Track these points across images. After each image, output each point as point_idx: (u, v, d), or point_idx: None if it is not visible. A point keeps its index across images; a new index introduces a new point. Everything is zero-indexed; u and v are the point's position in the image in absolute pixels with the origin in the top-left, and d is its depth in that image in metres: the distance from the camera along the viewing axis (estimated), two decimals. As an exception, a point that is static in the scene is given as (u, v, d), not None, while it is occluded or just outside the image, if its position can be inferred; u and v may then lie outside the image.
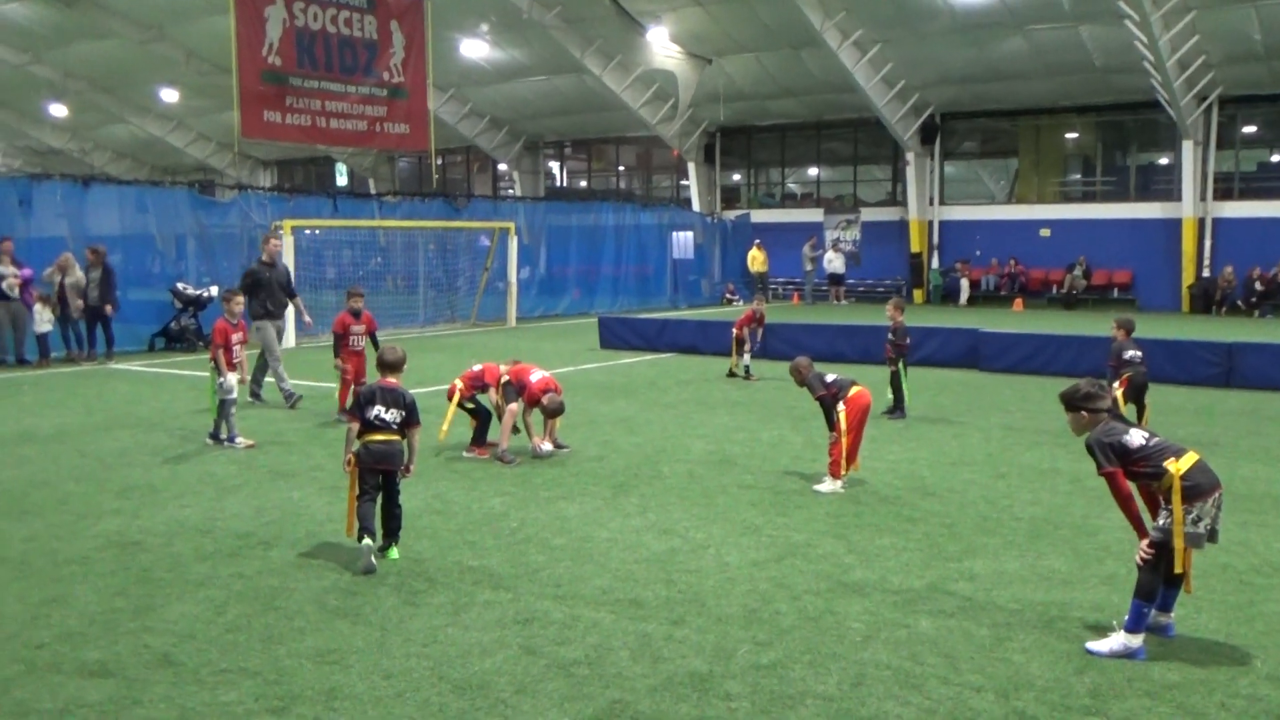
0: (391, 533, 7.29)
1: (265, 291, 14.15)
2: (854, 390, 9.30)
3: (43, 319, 18.42)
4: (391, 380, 7.47)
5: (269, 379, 14.28)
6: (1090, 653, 5.63)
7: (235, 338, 11.33)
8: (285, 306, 14.79)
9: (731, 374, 16.73)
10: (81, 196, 20.91)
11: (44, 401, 14.24)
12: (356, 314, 12.71)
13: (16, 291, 17.95)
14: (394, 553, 7.23)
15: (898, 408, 12.94)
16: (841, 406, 9.18)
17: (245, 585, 6.64)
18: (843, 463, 9.17)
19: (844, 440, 9.12)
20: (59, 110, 47.96)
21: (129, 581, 6.71)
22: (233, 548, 7.45)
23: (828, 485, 9.19)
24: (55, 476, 9.69)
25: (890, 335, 13.11)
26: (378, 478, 7.23)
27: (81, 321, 19.05)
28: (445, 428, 10.54)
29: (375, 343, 11.93)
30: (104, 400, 14.35)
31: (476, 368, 10.85)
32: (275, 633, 5.85)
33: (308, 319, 15.42)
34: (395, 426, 7.28)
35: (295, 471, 9.92)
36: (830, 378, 9.41)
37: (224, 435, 11.12)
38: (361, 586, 6.62)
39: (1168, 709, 5.02)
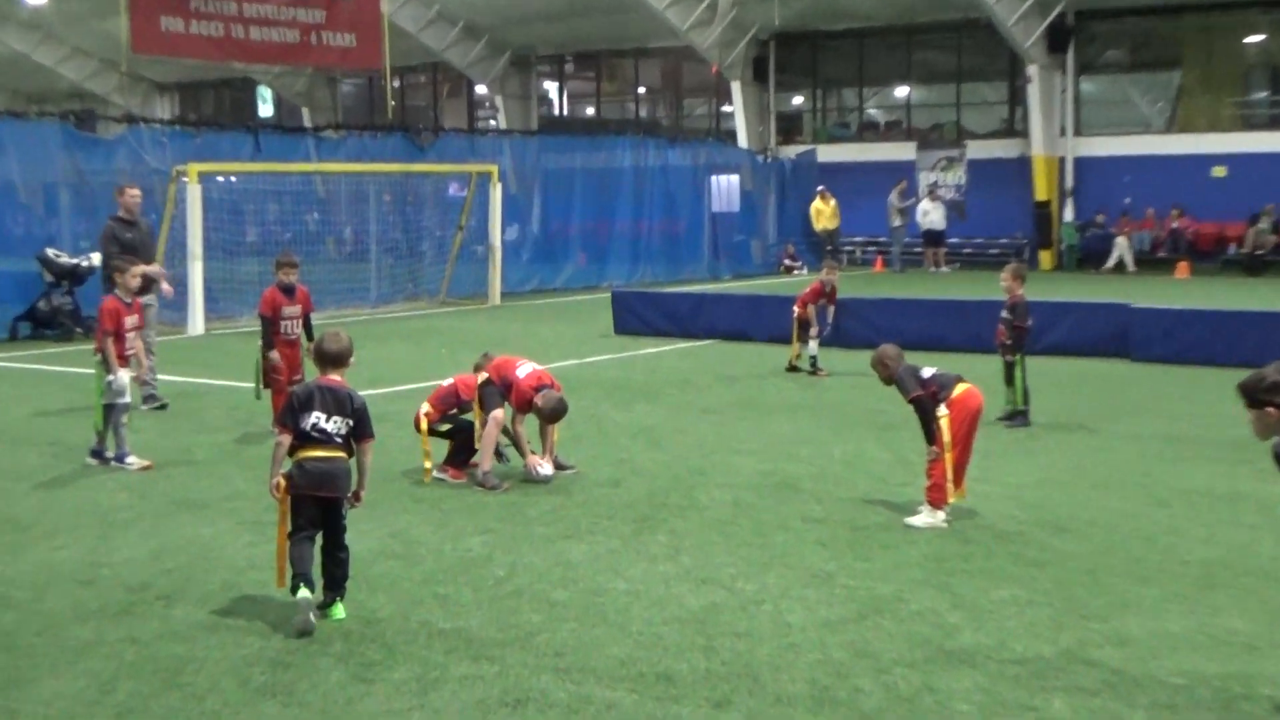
0: (335, 583, 7.31)
1: (133, 252, 14.16)
2: (960, 389, 9.27)
3: None
4: (334, 378, 7.48)
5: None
6: None
7: (129, 321, 11.39)
8: (155, 280, 14.90)
9: (793, 368, 16.73)
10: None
11: None
12: (289, 291, 12.58)
13: None
14: (338, 610, 7.25)
15: (1019, 412, 12.90)
16: (944, 411, 9.15)
17: (140, 654, 6.67)
18: (947, 487, 9.13)
19: (947, 456, 9.08)
20: (-113, 18, 48.42)
21: (-14, 650, 6.78)
22: (124, 603, 7.48)
23: (925, 518, 9.16)
24: (-114, 509, 9.79)
25: (1006, 314, 13.07)
26: (317, 509, 7.26)
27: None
28: (429, 468, 10.62)
29: (310, 329, 12.00)
30: (-50, 407, 14.47)
31: (446, 383, 10.91)
32: (181, 718, 5.87)
33: (166, 287, 15.44)
34: (340, 440, 7.31)
35: (206, 501, 9.94)
36: (928, 372, 9.37)
37: (110, 453, 11.18)
38: (296, 656, 6.64)
39: (1391, 820, 4.98)
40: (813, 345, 16.74)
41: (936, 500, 9.16)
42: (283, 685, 6.27)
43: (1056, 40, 33.59)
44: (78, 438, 12.46)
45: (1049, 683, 6.30)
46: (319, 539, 7.27)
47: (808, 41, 38.57)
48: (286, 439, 7.26)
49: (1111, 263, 32.78)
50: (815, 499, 10.01)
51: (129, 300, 11.48)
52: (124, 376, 11.16)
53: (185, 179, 22.23)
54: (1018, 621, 7.19)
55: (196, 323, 21.96)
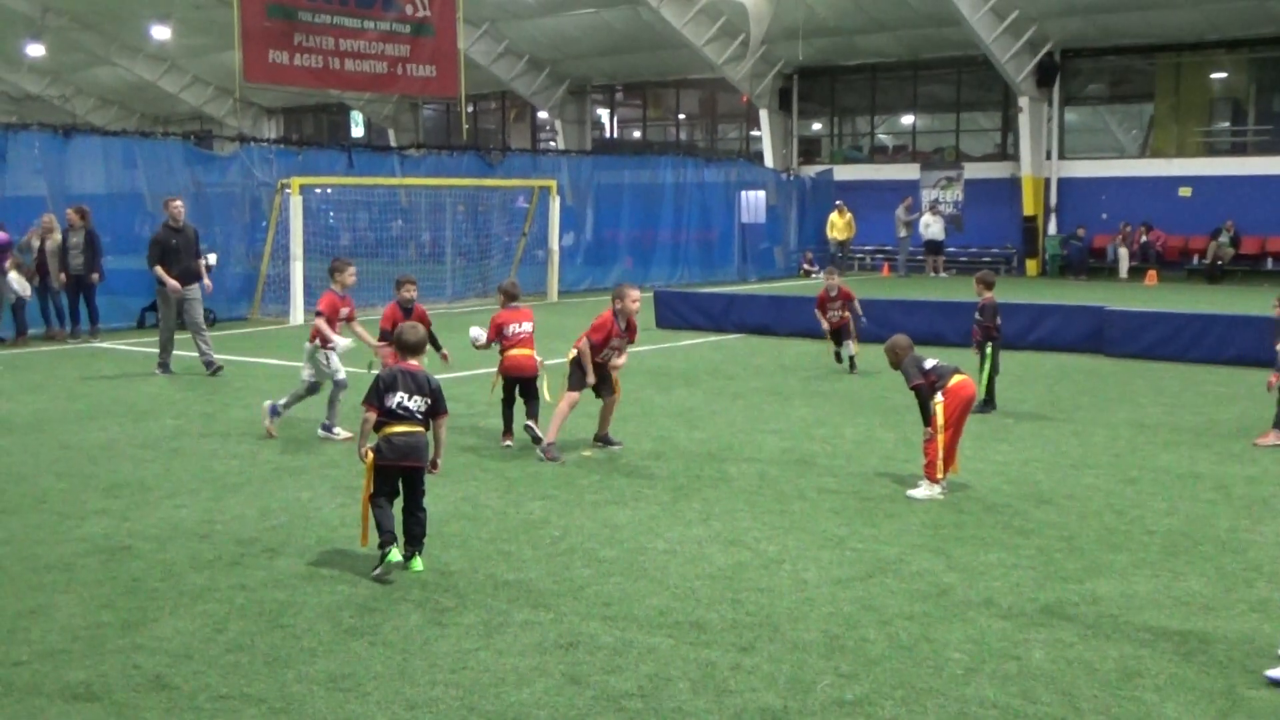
0: (415, 540, 7.36)
1: (174, 259, 15.14)
2: (955, 379, 9.24)
3: (19, 289, 18.76)
4: (413, 363, 7.54)
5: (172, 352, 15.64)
6: (1271, 680, 5.60)
7: (343, 311, 11.54)
8: (198, 273, 15.75)
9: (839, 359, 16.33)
10: (62, 149, 21.30)
11: (20, 384, 14.54)
12: (408, 309, 11.37)
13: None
14: (418, 564, 7.31)
15: (984, 401, 12.74)
16: (939, 398, 9.13)
17: (248, 599, 6.74)
18: (939, 464, 9.12)
19: (940, 437, 9.07)
20: (36, 50, 48.75)
21: (117, 592, 6.85)
22: (234, 555, 7.56)
23: (924, 490, 9.15)
24: (33, 471, 9.90)
25: (978, 315, 13.02)
26: (397, 478, 7.32)
27: (63, 293, 19.41)
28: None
29: (435, 341, 10.81)
30: (88, 384, 14.62)
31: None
32: (282, 654, 5.94)
33: (208, 283, 16.27)
34: (420, 416, 7.35)
35: (305, 468, 10.04)
36: (929, 364, 9.36)
37: (338, 430, 11.28)
38: (380, 602, 6.70)
39: (1330, 760, 4.94)
40: (851, 346, 16.11)
41: (932, 475, 9.14)
42: (369, 627, 6.32)
43: (1045, 75, 33.31)
44: (195, 412, 12.63)
45: (1030, 635, 6.28)
46: (399, 503, 7.33)
47: (827, 75, 38.37)
48: (373, 416, 7.30)
49: (1124, 272, 32.20)
50: (830, 473, 10.00)
51: (344, 295, 11.62)
52: (335, 358, 11.32)
53: (289, 191, 22.36)
54: (1004, 581, 7.16)
55: (297, 314, 22.09)
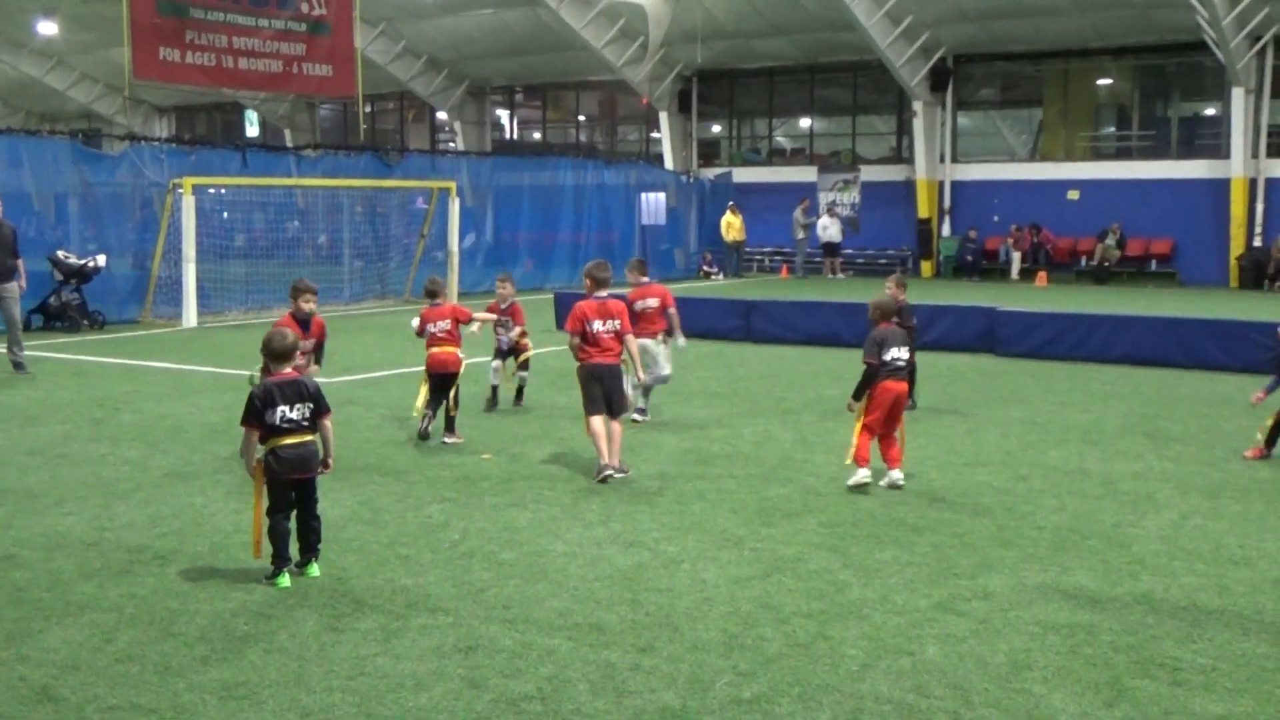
0: (310, 547, 7.25)
1: None
2: (889, 380, 9.56)
3: None
4: (286, 371, 7.31)
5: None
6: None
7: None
8: (12, 271, 15.39)
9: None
10: (-63, 147, 20.66)
11: (-102, 391, 14.08)
12: (305, 324, 10.07)
13: None
14: (314, 569, 7.21)
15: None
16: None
17: (138, 607, 6.60)
18: (866, 451, 9.43)
19: (858, 424, 9.47)
20: (-87, 45, 47.33)
21: (1, 603, 6.66)
22: (123, 563, 7.40)
23: (856, 477, 9.42)
24: (-88, 480, 9.60)
25: (894, 317, 13.14)
26: (290, 490, 7.15)
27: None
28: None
29: (320, 355, 10.55)
30: (-30, 389, 14.20)
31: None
32: (174, 663, 5.82)
33: (22, 283, 15.88)
34: (307, 424, 7.19)
35: (197, 474, 9.85)
36: (889, 354, 9.59)
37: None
38: (275, 609, 6.60)
39: (1209, 747, 5.09)
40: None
41: (859, 459, 9.39)
42: (264, 634, 6.23)
43: (938, 80, 33.91)
44: (83, 417, 12.33)
45: (924, 631, 6.38)
46: (294, 512, 7.21)
47: (726, 78, 38.64)
48: (254, 434, 7.07)
49: (1015, 273, 32.80)
50: (729, 474, 10.06)
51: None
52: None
53: (181, 191, 21.94)
54: (899, 578, 7.27)
55: (190, 317, 21.68)
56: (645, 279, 12.82)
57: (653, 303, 12.42)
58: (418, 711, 5.32)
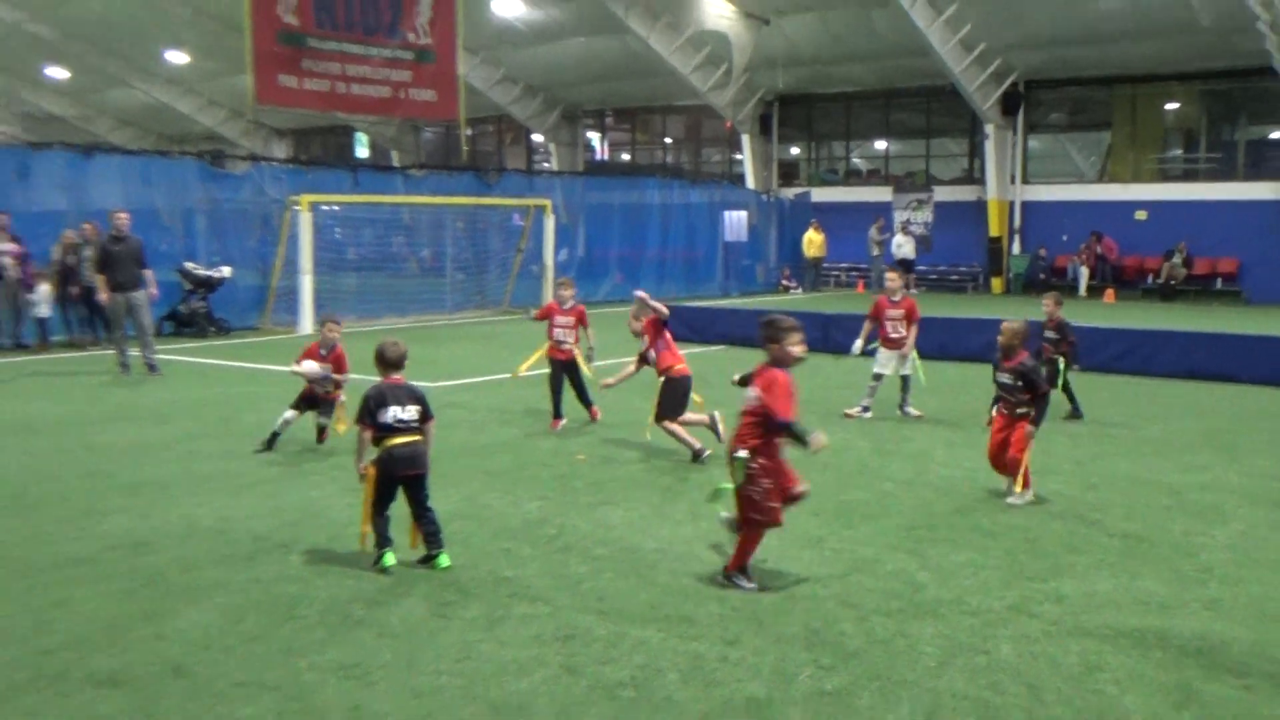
0: (433, 538, 7.28)
1: (115, 266, 15.49)
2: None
3: (43, 305, 18.78)
4: (396, 378, 7.48)
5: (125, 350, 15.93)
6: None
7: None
8: (140, 280, 15.78)
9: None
10: (83, 167, 21.29)
11: (45, 389, 14.50)
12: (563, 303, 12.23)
13: (16, 270, 18.26)
14: (444, 559, 7.23)
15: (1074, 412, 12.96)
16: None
17: (263, 592, 6.74)
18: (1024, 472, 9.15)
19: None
20: (58, 73, 48.73)
21: (139, 585, 6.84)
22: (249, 550, 7.56)
23: (1017, 498, 9.16)
24: (59, 470, 9.88)
25: (1052, 333, 12.95)
26: (397, 486, 7.26)
27: (81, 303, 19.37)
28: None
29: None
30: (109, 389, 14.59)
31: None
32: (295, 644, 5.94)
33: (153, 291, 16.27)
34: (416, 425, 7.33)
35: (314, 470, 10.04)
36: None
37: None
38: (387, 596, 6.71)
39: (1278, 749, 4.98)
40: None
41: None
42: (376, 619, 6.33)
43: (1009, 105, 33.49)
44: (211, 416, 12.60)
45: (998, 631, 6.31)
46: (404, 508, 7.32)
47: (805, 102, 38.49)
48: (369, 435, 7.23)
49: (1083, 289, 32.34)
50: (809, 478, 9.97)
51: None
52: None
53: (298, 208, 22.36)
54: (973, 580, 7.19)
55: (306, 324, 22.07)
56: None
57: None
58: (519, 695, 5.37)
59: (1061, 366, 12.84)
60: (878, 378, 13.08)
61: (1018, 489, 9.09)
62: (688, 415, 10.91)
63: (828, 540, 8.04)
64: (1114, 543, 8.08)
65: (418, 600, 6.65)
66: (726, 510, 7.35)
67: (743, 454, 7.15)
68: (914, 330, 13.09)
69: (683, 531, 8.22)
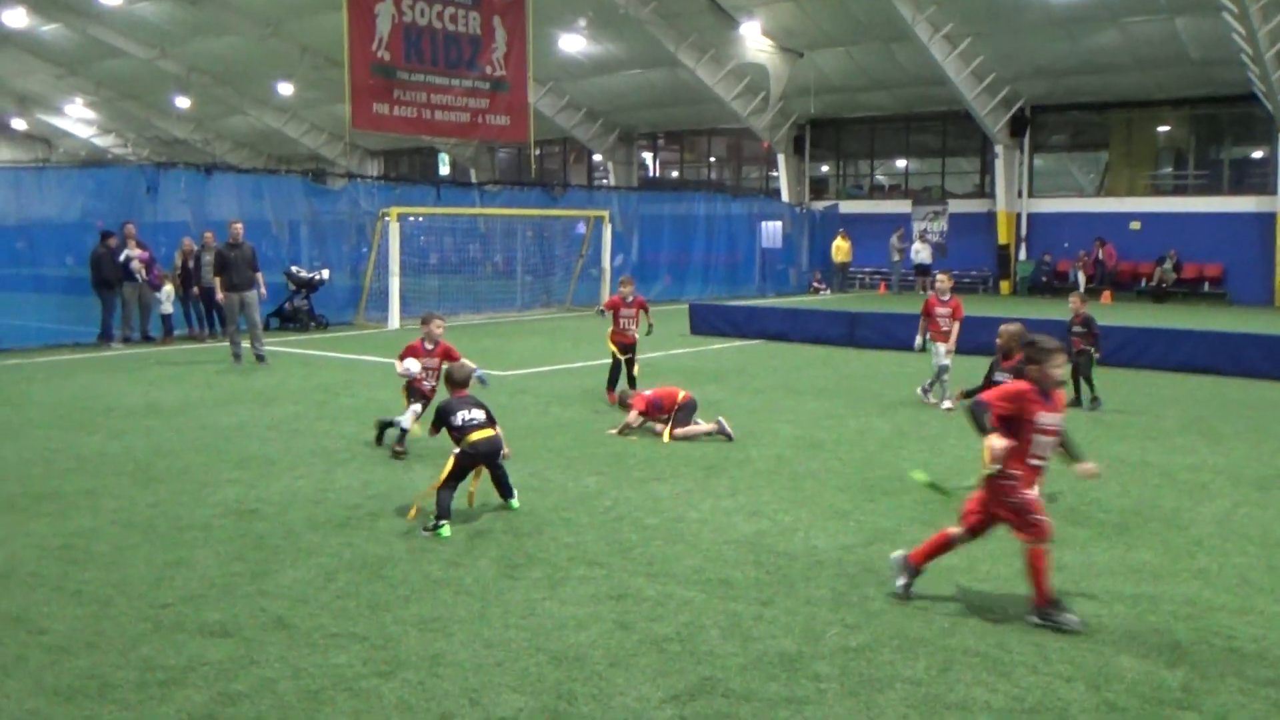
0: (507, 488, 7.86)
1: (231, 269, 15.59)
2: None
3: (165, 302, 19.05)
4: (462, 392, 7.91)
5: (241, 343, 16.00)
6: None
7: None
8: (252, 281, 15.86)
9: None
10: (203, 184, 21.51)
11: (168, 377, 14.67)
12: (626, 299, 13.02)
13: (143, 273, 18.51)
14: (515, 503, 7.85)
15: (1093, 399, 12.68)
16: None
17: (354, 554, 6.76)
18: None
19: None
20: (184, 102, 49.35)
21: (246, 547, 6.88)
22: (342, 518, 7.58)
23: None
24: (178, 447, 9.97)
25: (1080, 328, 12.78)
26: (469, 470, 7.60)
27: (200, 301, 19.62)
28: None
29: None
30: (223, 376, 14.73)
31: (648, 393, 11.09)
32: (382, 600, 5.94)
33: (263, 291, 16.48)
34: (485, 422, 7.66)
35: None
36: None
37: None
38: (463, 558, 6.69)
39: (1263, 705, 4.83)
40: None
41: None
42: (453, 579, 6.32)
43: (1017, 127, 32.97)
44: (310, 400, 12.69)
45: (1006, 595, 6.18)
46: (487, 476, 7.81)
47: (834, 126, 38.11)
48: (435, 436, 7.87)
49: (1082, 289, 31.75)
50: (836, 457, 9.90)
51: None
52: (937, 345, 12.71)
53: (388, 219, 22.47)
54: (983, 550, 7.02)
55: (394, 320, 22.19)
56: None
57: None
58: (578, 647, 5.33)
59: (1094, 356, 12.66)
60: (942, 369, 12.77)
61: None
62: (699, 425, 10.81)
63: (852, 513, 7.93)
64: (1110, 518, 7.90)
65: (489, 563, 6.62)
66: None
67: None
68: (956, 328, 12.85)
69: (723, 504, 8.14)
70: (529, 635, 5.46)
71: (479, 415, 7.65)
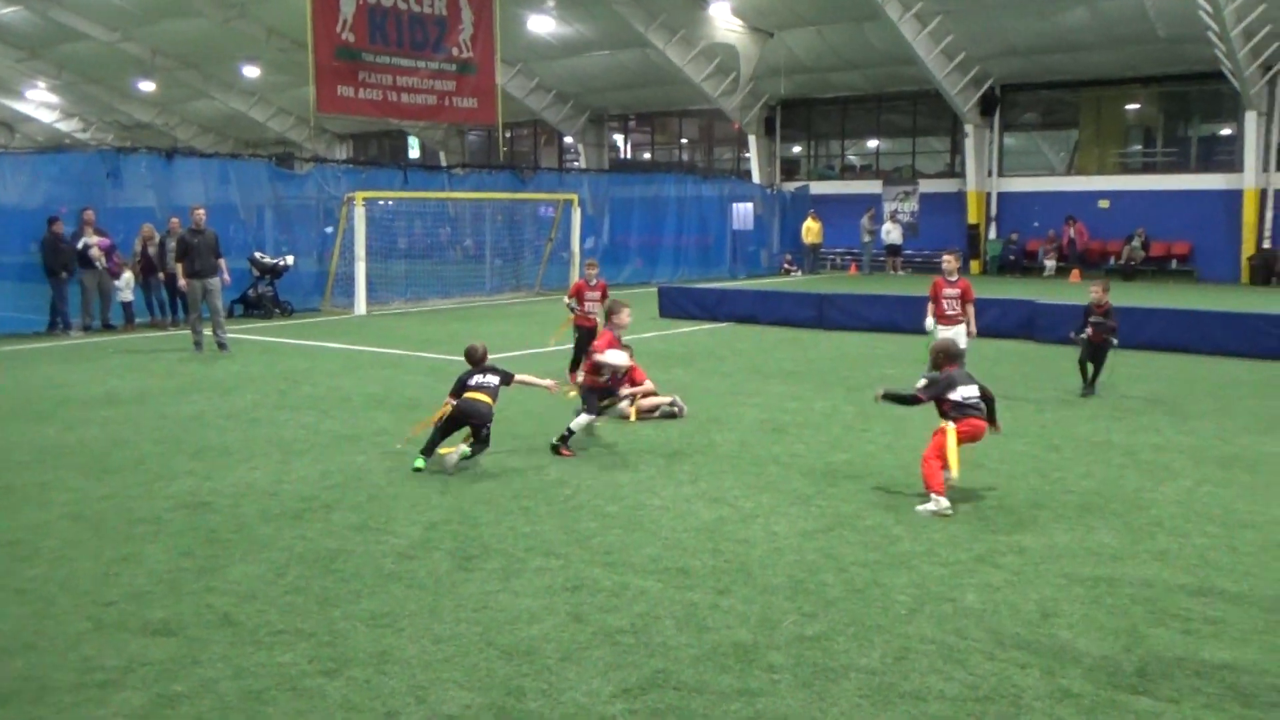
0: (477, 446, 8.66)
1: (194, 255, 15.40)
2: (968, 417, 7.81)
3: (125, 290, 18.78)
4: (482, 367, 9.01)
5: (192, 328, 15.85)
6: None
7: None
8: (215, 268, 15.64)
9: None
10: (166, 168, 21.17)
11: (128, 365, 14.45)
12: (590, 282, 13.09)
13: (103, 260, 18.23)
14: (467, 450, 8.57)
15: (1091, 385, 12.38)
16: (952, 427, 7.74)
17: (306, 547, 6.64)
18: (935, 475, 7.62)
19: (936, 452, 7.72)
20: (147, 86, 48.69)
21: (197, 542, 6.75)
22: (297, 510, 7.46)
23: (929, 506, 7.54)
24: (135, 437, 9.81)
25: (1099, 318, 12.36)
26: (458, 426, 8.62)
27: (163, 287, 19.35)
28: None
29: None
30: (184, 365, 14.52)
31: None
32: (332, 595, 5.83)
33: (226, 278, 16.21)
34: (488, 389, 8.80)
35: (360, 436, 9.90)
36: (959, 395, 7.83)
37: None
38: (418, 550, 6.59)
39: (1216, 690, 4.80)
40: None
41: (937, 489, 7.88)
42: (406, 572, 6.22)
43: (987, 106, 32.95)
44: (270, 388, 12.52)
45: (964, 580, 6.15)
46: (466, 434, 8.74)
47: (805, 106, 37.99)
48: (451, 402, 8.74)
49: (1051, 270, 31.86)
50: (800, 440, 9.85)
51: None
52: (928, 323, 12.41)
53: (354, 203, 22.23)
54: (943, 534, 7.02)
55: (360, 306, 21.99)
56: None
57: None
58: (530, 640, 5.25)
59: (1115, 344, 12.32)
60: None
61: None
62: (658, 397, 10.98)
63: (814, 498, 7.87)
64: (1072, 499, 7.88)
65: (444, 555, 6.53)
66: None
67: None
68: (971, 310, 12.31)
69: (684, 491, 8.07)
70: (480, 629, 5.38)
71: (490, 380, 8.86)
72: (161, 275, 19.12)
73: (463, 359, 9.27)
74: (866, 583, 6.08)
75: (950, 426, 7.74)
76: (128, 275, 18.83)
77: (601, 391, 9.73)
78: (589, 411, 9.45)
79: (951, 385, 7.89)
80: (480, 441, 8.70)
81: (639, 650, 5.15)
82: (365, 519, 7.25)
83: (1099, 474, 8.63)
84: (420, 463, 8.49)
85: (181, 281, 15.61)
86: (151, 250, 19.14)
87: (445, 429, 8.67)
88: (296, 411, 11.07)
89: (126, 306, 18.88)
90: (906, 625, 5.48)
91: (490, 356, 9.32)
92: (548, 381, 9.42)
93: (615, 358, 9.52)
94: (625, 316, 9.81)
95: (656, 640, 5.26)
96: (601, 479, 8.39)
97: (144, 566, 6.28)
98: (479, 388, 8.78)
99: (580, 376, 12.02)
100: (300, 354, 15.66)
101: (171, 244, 18.56)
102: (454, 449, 8.63)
